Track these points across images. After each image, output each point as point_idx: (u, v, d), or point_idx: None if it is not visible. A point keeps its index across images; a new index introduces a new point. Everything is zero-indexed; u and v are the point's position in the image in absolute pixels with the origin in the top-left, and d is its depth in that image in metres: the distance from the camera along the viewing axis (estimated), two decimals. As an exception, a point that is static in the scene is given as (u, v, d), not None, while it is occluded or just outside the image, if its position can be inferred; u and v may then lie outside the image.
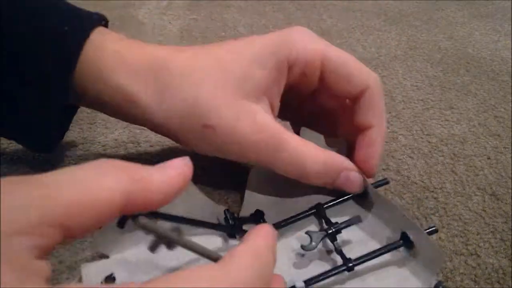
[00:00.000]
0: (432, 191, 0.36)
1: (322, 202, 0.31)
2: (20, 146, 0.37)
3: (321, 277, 0.26)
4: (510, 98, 0.49)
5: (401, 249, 0.28)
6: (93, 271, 0.26)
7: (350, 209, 0.32)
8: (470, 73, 0.54)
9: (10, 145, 0.37)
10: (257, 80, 0.26)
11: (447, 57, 0.57)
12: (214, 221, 0.29)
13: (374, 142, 0.28)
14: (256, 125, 0.25)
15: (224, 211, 0.30)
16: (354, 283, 0.27)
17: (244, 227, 0.30)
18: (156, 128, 0.29)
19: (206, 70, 0.26)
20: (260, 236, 0.17)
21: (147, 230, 0.16)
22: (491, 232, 0.32)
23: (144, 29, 0.61)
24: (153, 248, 0.19)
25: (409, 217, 0.29)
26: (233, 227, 0.28)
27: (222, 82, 0.25)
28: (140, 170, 0.16)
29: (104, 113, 0.31)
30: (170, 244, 0.18)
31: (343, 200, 0.31)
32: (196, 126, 0.26)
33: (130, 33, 0.58)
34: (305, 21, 0.66)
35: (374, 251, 0.28)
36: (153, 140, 0.39)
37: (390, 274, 0.28)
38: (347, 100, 0.30)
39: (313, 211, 0.31)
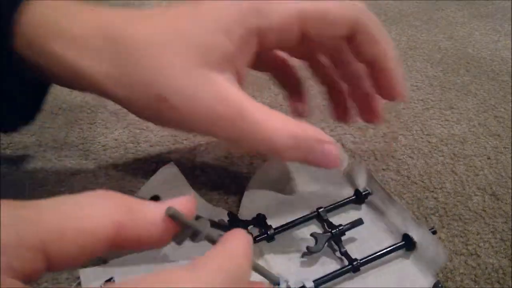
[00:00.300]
0: (432, 191, 0.36)
1: (323, 206, 0.32)
2: (20, 146, 0.37)
3: (329, 277, 0.27)
4: (510, 98, 0.49)
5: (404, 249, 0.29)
6: (92, 276, 0.26)
7: (351, 211, 0.32)
8: (470, 73, 0.53)
9: (10, 145, 0.37)
10: (221, 49, 0.23)
11: (447, 57, 0.57)
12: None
13: (392, 66, 0.27)
14: (217, 96, 0.23)
15: (228, 213, 0.31)
16: (356, 281, 0.28)
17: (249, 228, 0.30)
18: (110, 98, 0.25)
19: (166, 39, 0.23)
20: (234, 239, 0.17)
21: (176, 219, 0.16)
22: (491, 232, 0.32)
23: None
24: (179, 241, 0.19)
25: (413, 217, 0.29)
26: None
27: (182, 51, 0.23)
28: (135, 202, 0.15)
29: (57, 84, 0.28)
30: (195, 236, 0.18)
31: (344, 203, 0.32)
32: (151, 99, 0.23)
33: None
34: (305, 21, 0.66)
35: (377, 252, 0.28)
36: (153, 140, 0.39)
37: (391, 272, 0.28)
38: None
39: (314, 214, 0.31)
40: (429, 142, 0.42)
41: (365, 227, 0.30)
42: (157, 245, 0.16)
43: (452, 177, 0.37)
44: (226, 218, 0.31)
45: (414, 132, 0.43)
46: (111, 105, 0.43)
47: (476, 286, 0.29)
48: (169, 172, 0.33)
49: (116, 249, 0.14)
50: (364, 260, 0.28)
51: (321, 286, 0.27)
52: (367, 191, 0.32)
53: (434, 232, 0.29)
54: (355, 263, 0.27)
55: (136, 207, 0.15)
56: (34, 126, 0.39)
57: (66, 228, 0.13)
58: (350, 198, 0.32)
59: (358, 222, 0.30)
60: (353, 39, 0.27)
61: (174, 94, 0.23)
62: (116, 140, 0.39)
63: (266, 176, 0.33)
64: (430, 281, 0.27)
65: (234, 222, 0.30)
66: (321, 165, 0.25)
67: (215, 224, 0.28)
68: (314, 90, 0.49)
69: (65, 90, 0.42)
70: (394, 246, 0.29)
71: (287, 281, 0.24)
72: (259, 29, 0.24)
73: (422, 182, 0.37)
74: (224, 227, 0.29)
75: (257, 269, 0.22)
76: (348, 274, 0.28)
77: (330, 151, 0.25)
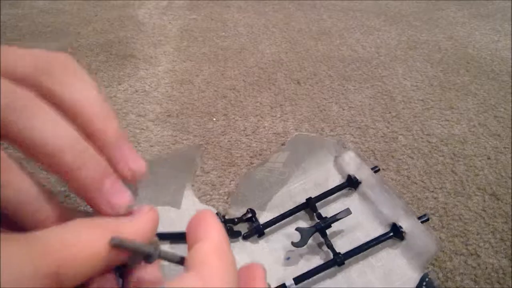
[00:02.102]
0: (432, 191, 0.36)
1: (313, 196, 0.31)
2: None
3: (310, 274, 0.26)
4: (510, 98, 0.49)
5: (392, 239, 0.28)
6: None
7: (340, 200, 0.32)
8: (470, 73, 0.53)
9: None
10: None
11: (447, 57, 0.57)
12: None
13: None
14: None
15: (217, 213, 0.30)
16: (340, 277, 0.27)
17: (236, 228, 0.30)
18: None
19: None
20: (216, 230, 0.16)
21: (123, 247, 0.15)
22: (491, 232, 0.32)
23: (144, 29, 0.60)
24: (132, 264, 0.18)
25: (403, 206, 0.28)
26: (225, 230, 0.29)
27: None
28: (113, 223, 0.16)
29: None
30: (149, 257, 0.17)
31: (334, 190, 0.31)
32: None
33: (130, 33, 0.58)
34: (305, 21, 0.66)
35: (364, 244, 0.28)
36: (153, 140, 0.39)
37: (377, 266, 0.28)
38: None
39: (304, 204, 0.31)
40: (429, 142, 0.42)
41: (352, 218, 0.29)
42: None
43: (452, 177, 0.37)
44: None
45: (414, 132, 0.43)
46: (111, 105, 0.43)
47: (476, 286, 0.29)
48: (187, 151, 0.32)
49: (114, 261, 0.15)
50: (348, 253, 0.27)
51: (303, 283, 0.26)
52: (357, 180, 0.31)
53: (427, 220, 0.28)
54: (338, 258, 0.27)
55: (116, 225, 0.16)
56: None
57: (75, 254, 0.14)
58: (341, 185, 0.32)
59: (346, 213, 0.29)
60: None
61: None
62: (116, 140, 0.39)
63: (253, 176, 0.33)
64: (419, 273, 0.26)
65: (224, 222, 0.30)
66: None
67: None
68: (314, 90, 0.49)
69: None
70: (381, 238, 0.28)
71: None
72: None
73: (422, 182, 0.37)
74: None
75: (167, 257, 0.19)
76: (333, 269, 0.27)
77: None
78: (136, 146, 0.38)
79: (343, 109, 0.45)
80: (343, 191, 0.31)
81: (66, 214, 0.17)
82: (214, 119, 0.43)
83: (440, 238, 0.32)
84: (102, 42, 0.54)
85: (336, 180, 0.32)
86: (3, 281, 0.12)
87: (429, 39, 0.62)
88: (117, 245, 0.15)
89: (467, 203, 0.35)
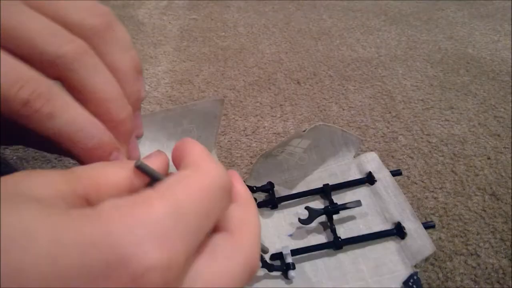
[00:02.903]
0: (432, 191, 0.36)
1: (330, 184, 0.32)
2: (20, 147, 0.37)
3: (307, 250, 0.28)
4: (510, 98, 0.49)
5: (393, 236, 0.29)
6: None
7: (353, 192, 0.33)
8: (470, 73, 0.53)
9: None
10: None
11: (447, 57, 0.57)
12: None
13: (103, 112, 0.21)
14: None
15: None
16: (335, 259, 0.29)
17: (255, 195, 0.32)
18: None
19: None
20: (197, 147, 0.18)
21: (143, 170, 0.18)
22: (491, 232, 0.32)
23: (144, 29, 0.60)
24: None
25: (412, 212, 0.29)
26: None
27: None
28: (131, 163, 0.18)
29: None
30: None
31: (350, 183, 0.32)
32: None
33: (129, 33, 0.58)
34: (305, 21, 0.66)
35: (366, 234, 0.29)
36: (153, 140, 0.39)
37: (371, 257, 0.29)
38: None
39: (319, 190, 0.32)
40: (429, 142, 0.42)
41: (360, 211, 0.31)
42: None
43: (452, 177, 0.37)
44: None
45: (414, 132, 0.43)
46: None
47: (476, 286, 0.29)
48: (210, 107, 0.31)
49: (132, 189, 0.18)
50: (348, 239, 0.29)
51: (299, 256, 0.28)
52: (374, 178, 0.32)
53: (432, 226, 0.29)
54: (337, 242, 0.28)
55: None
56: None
57: (99, 183, 0.17)
58: (360, 179, 0.33)
59: (356, 204, 0.30)
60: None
61: None
62: (116, 140, 0.39)
63: (271, 155, 0.34)
64: (409, 272, 0.27)
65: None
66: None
67: None
68: (314, 90, 0.49)
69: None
70: (383, 233, 0.29)
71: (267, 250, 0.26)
72: None
73: (422, 182, 0.37)
74: None
75: None
76: (330, 250, 0.29)
77: (116, 158, 0.22)
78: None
79: (343, 109, 0.45)
80: (360, 186, 0.33)
81: (109, 146, 0.20)
82: (214, 119, 0.43)
83: (440, 238, 0.32)
84: (102, 42, 0.54)
85: (353, 175, 0.33)
86: (46, 195, 0.15)
87: (429, 39, 0.62)
88: (139, 167, 0.18)
89: (467, 203, 0.35)
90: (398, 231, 0.29)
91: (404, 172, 0.37)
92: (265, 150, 0.39)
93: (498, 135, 0.43)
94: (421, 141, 0.42)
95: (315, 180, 0.34)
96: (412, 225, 0.29)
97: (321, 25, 0.65)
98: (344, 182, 0.32)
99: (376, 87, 0.50)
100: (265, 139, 0.40)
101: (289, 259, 0.27)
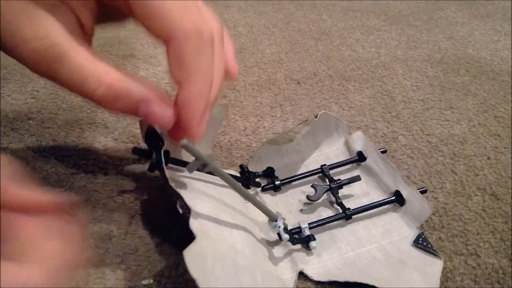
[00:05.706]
0: (432, 191, 0.36)
1: (328, 164, 0.35)
2: (20, 146, 0.37)
3: (323, 222, 0.31)
4: (510, 98, 0.49)
5: (393, 204, 0.33)
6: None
7: (352, 170, 0.36)
8: (470, 73, 0.54)
9: (10, 144, 0.37)
10: None
11: (447, 57, 0.57)
12: None
13: (185, 102, 0.25)
14: (36, 31, 0.22)
15: (241, 165, 0.35)
16: (347, 228, 0.32)
17: (257, 180, 0.34)
18: None
19: None
20: None
21: (189, 150, 0.19)
22: (491, 232, 0.32)
23: (144, 29, 0.60)
24: (191, 169, 0.23)
25: (403, 177, 0.32)
26: (248, 179, 0.34)
27: None
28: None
29: None
30: (203, 167, 0.22)
31: (345, 163, 0.36)
32: None
33: (129, 33, 0.58)
34: (305, 21, 0.66)
35: (369, 204, 0.32)
36: (153, 140, 0.39)
37: (379, 223, 0.32)
38: None
39: (319, 171, 0.35)
40: (429, 142, 0.42)
41: (359, 186, 0.34)
42: None
43: (452, 177, 0.37)
44: (238, 170, 0.35)
45: (414, 132, 0.43)
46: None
47: (476, 286, 0.29)
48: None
49: None
50: (356, 209, 0.32)
51: (315, 229, 0.31)
52: (364, 155, 0.36)
53: (424, 191, 0.32)
54: (348, 211, 0.31)
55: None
56: (34, 126, 0.39)
57: None
58: (352, 158, 0.36)
59: (356, 178, 0.33)
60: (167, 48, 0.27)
61: (2, 27, 0.21)
62: (116, 140, 0.39)
63: (274, 142, 0.36)
64: (415, 232, 0.30)
65: (245, 173, 0.34)
66: (151, 121, 0.26)
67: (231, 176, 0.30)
68: (314, 90, 0.49)
69: (65, 90, 0.42)
70: (385, 200, 0.32)
71: (284, 219, 0.29)
72: None
73: (422, 182, 0.37)
74: (238, 178, 0.34)
75: (258, 205, 0.28)
76: (341, 221, 0.32)
77: (155, 112, 0.24)
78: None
79: (343, 109, 0.45)
80: (353, 164, 0.36)
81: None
82: (214, 119, 0.43)
83: (440, 238, 0.32)
84: (102, 42, 0.54)
85: (346, 157, 0.37)
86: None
87: (429, 39, 0.62)
88: (185, 146, 0.19)
89: (467, 203, 0.35)
90: (398, 198, 0.32)
91: (404, 172, 0.37)
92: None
93: (498, 135, 0.43)
94: (421, 141, 0.42)
95: (312, 164, 0.36)
96: (407, 191, 0.32)
97: (321, 25, 0.65)
98: (339, 161, 0.36)
99: (376, 87, 0.50)
100: (265, 139, 0.40)
101: (307, 232, 0.30)
